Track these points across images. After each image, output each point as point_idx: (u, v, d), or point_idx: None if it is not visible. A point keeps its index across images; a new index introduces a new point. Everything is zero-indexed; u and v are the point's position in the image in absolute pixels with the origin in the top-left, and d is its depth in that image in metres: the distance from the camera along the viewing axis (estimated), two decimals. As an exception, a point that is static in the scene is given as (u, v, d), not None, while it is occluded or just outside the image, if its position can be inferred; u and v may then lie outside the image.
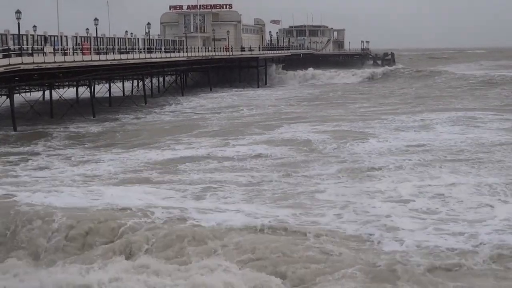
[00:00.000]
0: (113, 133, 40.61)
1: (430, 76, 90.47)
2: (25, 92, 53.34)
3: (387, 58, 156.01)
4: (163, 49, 66.68)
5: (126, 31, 61.84)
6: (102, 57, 50.68)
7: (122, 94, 64.34)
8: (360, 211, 19.74)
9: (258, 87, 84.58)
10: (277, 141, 34.15)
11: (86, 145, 35.34)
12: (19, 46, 39.71)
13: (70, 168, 28.13)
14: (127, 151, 32.60)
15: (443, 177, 24.02)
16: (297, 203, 20.96)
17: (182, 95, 69.73)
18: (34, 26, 53.69)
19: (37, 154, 32.58)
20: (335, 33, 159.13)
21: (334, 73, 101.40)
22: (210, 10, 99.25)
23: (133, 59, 56.76)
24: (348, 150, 30.78)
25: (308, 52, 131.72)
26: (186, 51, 72.26)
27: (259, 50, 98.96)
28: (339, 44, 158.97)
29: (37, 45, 42.75)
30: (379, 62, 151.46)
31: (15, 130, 40.58)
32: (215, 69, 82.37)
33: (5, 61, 37.47)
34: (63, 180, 25.38)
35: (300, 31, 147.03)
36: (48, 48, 43.35)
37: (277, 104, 58.81)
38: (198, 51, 75.67)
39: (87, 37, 51.52)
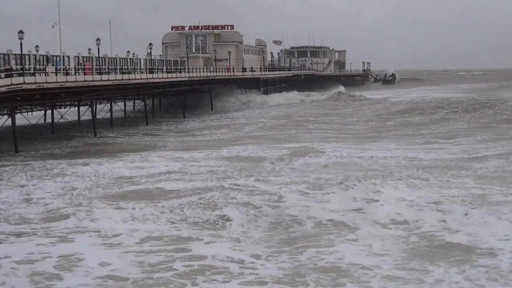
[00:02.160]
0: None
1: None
2: (27, 111, 53.35)
3: (388, 79, 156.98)
4: (164, 70, 66.88)
5: (128, 51, 62.03)
6: (104, 77, 50.78)
7: (123, 114, 64.29)
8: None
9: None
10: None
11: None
12: (21, 66, 39.73)
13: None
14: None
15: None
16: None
17: (184, 117, 69.16)
18: (37, 46, 53.98)
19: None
20: (336, 54, 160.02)
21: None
22: (212, 30, 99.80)
23: (135, 79, 56.87)
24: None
25: (310, 73, 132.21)
26: (188, 72, 72.44)
27: (260, 70, 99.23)
28: (340, 65, 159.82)
29: (39, 65, 42.85)
30: (381, 83, 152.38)
31: (16, 152, 39.11)
32: (217, 89, 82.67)
33: (7, 81, 37.45)
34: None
35: (301, 51, 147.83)
36: (50, 68, 43.44)
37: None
38: (200, 71, 75.89)
39: (89, 57, 51.72)
